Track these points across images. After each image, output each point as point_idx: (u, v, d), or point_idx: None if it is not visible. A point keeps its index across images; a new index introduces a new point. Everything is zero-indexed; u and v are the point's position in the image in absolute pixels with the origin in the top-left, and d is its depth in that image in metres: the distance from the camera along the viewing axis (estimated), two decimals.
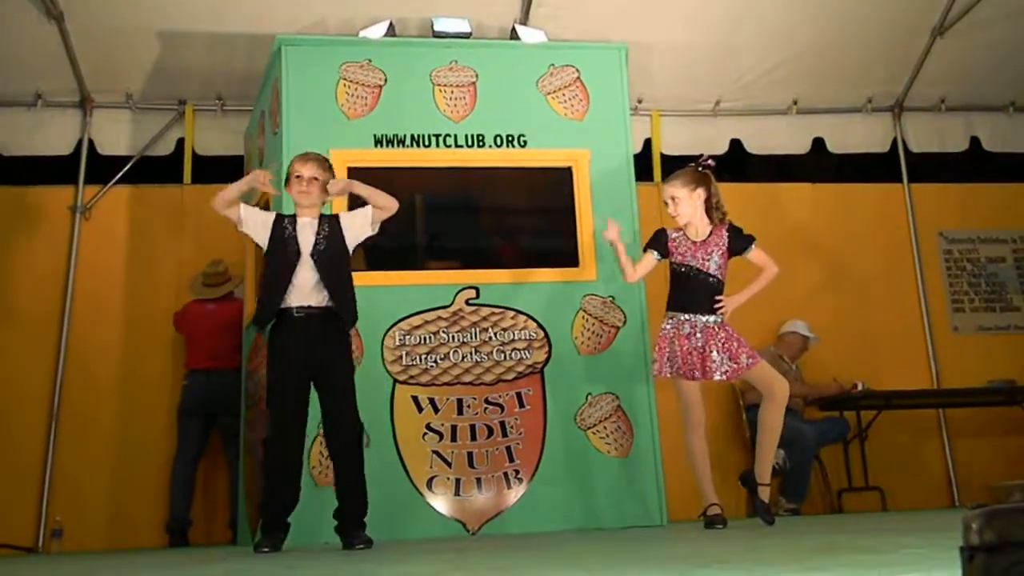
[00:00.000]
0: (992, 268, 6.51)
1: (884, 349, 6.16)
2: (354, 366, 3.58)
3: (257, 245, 3.64)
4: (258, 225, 3.53)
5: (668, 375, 3.89)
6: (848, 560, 1.76)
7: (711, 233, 3.96)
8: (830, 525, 3.67)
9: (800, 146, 6.60)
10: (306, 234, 3.47)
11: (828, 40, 6.05)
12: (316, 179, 3.51)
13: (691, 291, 3.90)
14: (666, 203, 3.99)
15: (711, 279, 3.91)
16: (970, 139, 6.72)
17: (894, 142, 6.63)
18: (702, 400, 3.90)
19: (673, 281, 3.98)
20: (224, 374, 5.26)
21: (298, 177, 3.51)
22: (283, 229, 3.48)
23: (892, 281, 6.34)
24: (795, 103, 6.46)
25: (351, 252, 3.60)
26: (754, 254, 4.00)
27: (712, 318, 3.87)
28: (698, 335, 3.85)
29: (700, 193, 3.95)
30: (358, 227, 3.59)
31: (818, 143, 6.60)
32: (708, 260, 3.91)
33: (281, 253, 3.43)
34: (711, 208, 3.97)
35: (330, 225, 3.53)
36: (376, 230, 3.63)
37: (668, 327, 3.91)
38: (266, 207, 4.74)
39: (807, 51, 6.11)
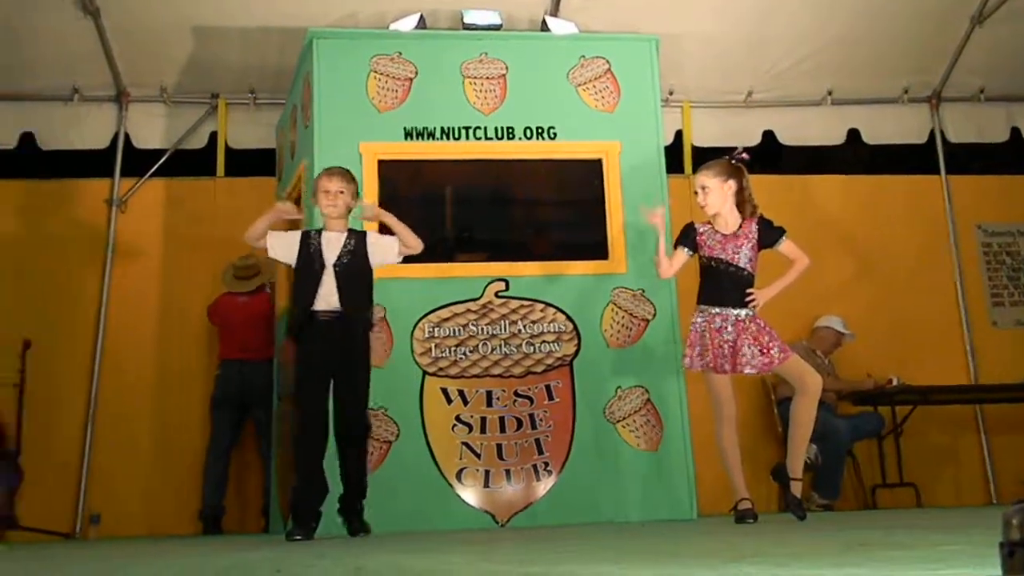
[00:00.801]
0: None
1: (920, 344, 6.07)
2: (370, 367, 3.75)
3: (288, 265, 3.87)
4: (285, 248, 3.77)
5: (699, 368, 3.86)
6: (882, 556, 1.74)
7: (740, 226, 3.91)
8: (864, 521, 3.63)
9: (835, 137, 6.51)
10: (332, 247, 3.70)
11: (862, 30, 5.95)
12: (342, 192, 3.72)
13: (721, 284, 3.87)
14: (696, 192, 3.96)
15: (742, 272, 3.87)
16: (1011, 129, 6.58)
17: (931, 133, 6.52)
18: (733, 394, 3.86)
19: (703, 275, 3.95)
20: (256, 365, 5.31)
21: (325, 192, 3.72)
22: (310, 244, 3.72)
23: (929, 274, 6.24)
24: (830, 94, 6.37)
25: (372, 270, 3.80)
26: (785, 246, 3.94)
27: (744, 311, 3.83)
28: (729, 329, 3.81)
29: (731, 185, 3.91)
30: (382, 252, 3.80)
31: (853, 134, 6.50)
32: (738, 253, 3.87)
33: (308, 265, 3.67)
34: (742, 201, 3.93)
35: (356, 241, 3.75)
36: (399, 261, 3.84)
37: (699, 321, 3.88)
38: (297, 202, 4.79)
39: (841, 41, 6.02)
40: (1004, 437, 6.06)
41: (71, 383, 5.50)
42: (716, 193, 3.90)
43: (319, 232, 3.76)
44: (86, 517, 5.33)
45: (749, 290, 3.85)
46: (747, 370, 3.78)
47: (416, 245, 3.80)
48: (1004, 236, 6.41)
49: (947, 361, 6.08)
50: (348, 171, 3.83)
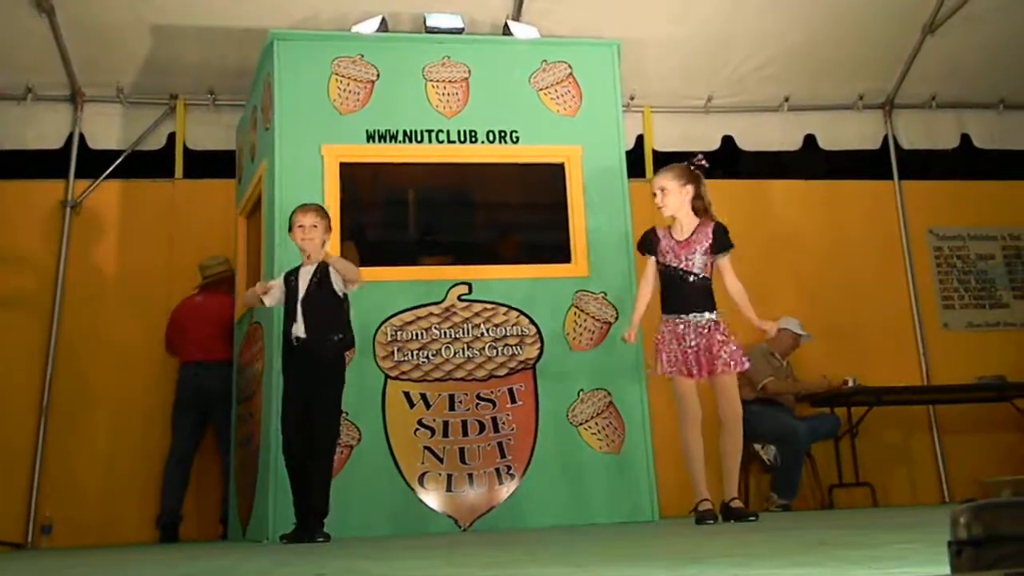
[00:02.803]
0: (982, 265, 6.54)
1: (875, 345, 6.19)
2: (341, 385, 3.98)
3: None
4: (278, 294, 4.09)
5: (669, 374, 3.89)
6: (839, 555, 1.77)
7: (695, 231, 3.96)
8: (821, 521, 3.69)
9: (792, 143, 6.62)
10: (303, 280, 4.00)
11: (820, 37, 6.06)
12: (315, 226, 3.98)
13: (679, 292, 3.92)
14: (654, 193, 4.01)
15: (698, 277, 3.92)
16: (961, 136, 6.74)
17: (885, 139, 6.65)
18: (698, 397, 3.91)
19: (662, 282, 4.00)
20: (212, 367, 5.26)
21: (300, 226, 3.98)
22: (290, 281, 4.06)
23: (883, 278, 6.36)
24: (787, 100, 6.47)
25: (343, 297, 4.02)
26: (723, 261, 3.97)
27: (706, 316, 3.88)
28: (692, 335, 3.87)
29: (689, 189, 3.96)
30: (339, 281, 4.04)
31: (809, 140, 6.62)
32: (691, 259, 3.93)
33: (289, 300, 4.03)
34: (699, 207, 3.99)
35: (323, 272, 4.01)
36: (350, 291, 4.06)
37: (665, 331, 3.93)
38: (257, 204, 4.75)
39: (799, 48, 6.13)
40: (956, 437, 6.21)
41: (23, 387, 5.38)
42: (674, 195, 3.95)
43: (297, 269, 4.05)
44: (38, 526, 5.21)
45: (763, 328, 3.90)
46: (726, 369, 3.83)
47: (354, 278, 4.02)
48: (955, 240, 6.57)
49: (900, 363, 6.21)
50: (321, 207, 4.11)
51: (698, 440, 3.86)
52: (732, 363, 3.84)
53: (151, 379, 5.47)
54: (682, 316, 3.89)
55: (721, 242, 3.96)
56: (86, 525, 5.26)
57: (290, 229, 4.03)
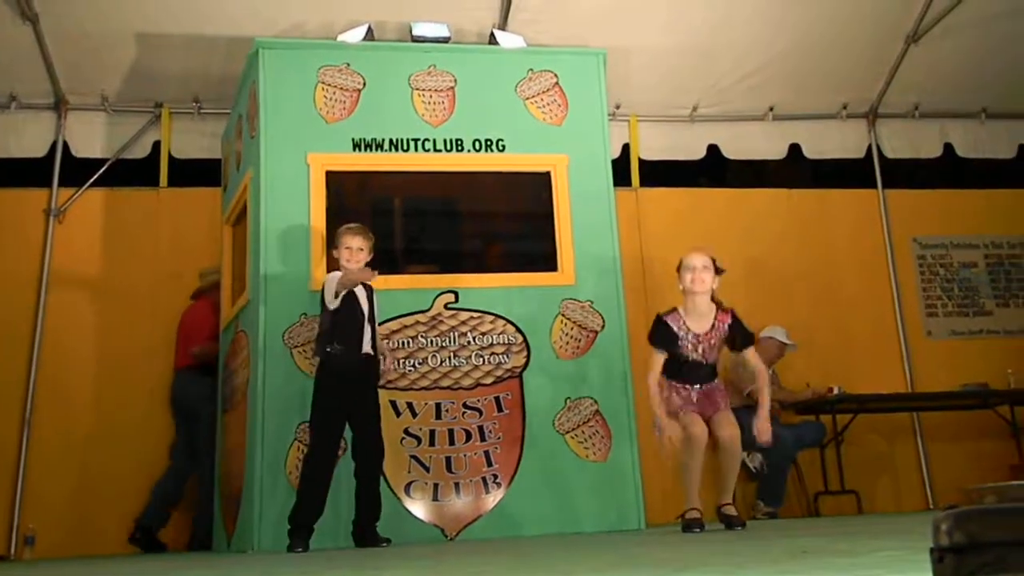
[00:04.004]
0: (965, 273, 6.59)
1: (859, 353, 6.22)
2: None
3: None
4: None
5: (681, 410, 3.89)
6: (824, 563, 1.78)
7: (713, 325, 3.94)
8: (807, 528, 3.70)
9: (777, 152, 6.66)
10: (363, 299, 4.12)
11: (804, 47, 6.11)
12: (362, 249, 4.15)
13: (690, 372, 3.95)
14: (690, 269, 3.91)
15: (710, 365, 3.99)
16: (943, 145, 6.80)
17: (869, 148, 6.70)
18: (705, 427, 3.89)
19: (670, 361, 3.94)
20: (179, 372, 5.33)
21: (348, 248, 4.13)
22: (349, 292, 4.10)
23: (867, 286, 6.40)
24: (771, 109, 6.51)
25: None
26: (751, 354, 4.02)
27: (710, 384, 3.96)
28: (695, 395, 3.94)
29: (717, 280, 3.97)
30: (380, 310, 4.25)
31: (794, 149, 6.66)
32: (710, 353, 3.96)
33: (351, 312, 4.09)
34: (714, 296, 3.99)
35: (372, 295, 4.19)
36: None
37: (672, 394, 3.94)
38: (243, 213, 4.73)
39: (784, 58, 6.17)
40: (940, 444, 6.24)
41: (5, 398, 5.33)
42: (709, 278, 3.92)
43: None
44: (21, 537, 5.16)
45: (761, 430, 3.90)
46: (726, 406, 3.95)
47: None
48: (938, 248, 6.62)
49: (885, 370, 6.25)
50: (367, 229, 4.22)
51: (700, 463, 3.83)
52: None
53: (135, 388, 5.43)
54: (691, 385, 3.95)
55: (742, 338, 3.99)
56: (69, 536, 5.21)
57: (334, 247, 4.16)
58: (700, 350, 3.92)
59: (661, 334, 3.93)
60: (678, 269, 3.98)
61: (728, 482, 3.92)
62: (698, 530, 3.73)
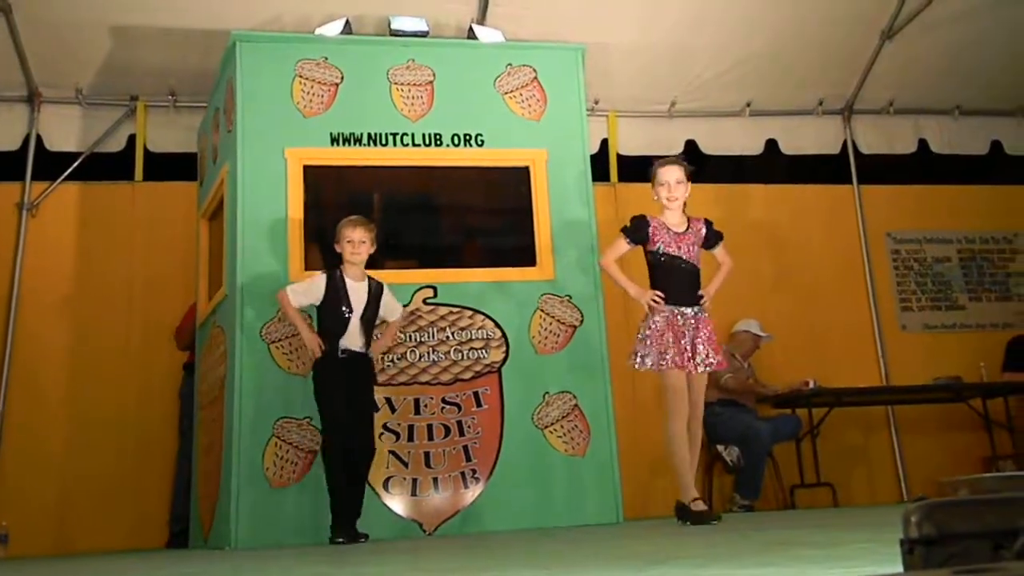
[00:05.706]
0: (938, 268, 6.67)
1: (835, 347, 6.28)
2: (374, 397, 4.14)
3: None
4: (310, 297, 4.09)
5: (654, 368, 3.77)
6: (800, 555, 1.80)
7: (688, 226, 3.96)
8: (783, 521, 3.74)
9: (754, 147, 6.70)
10: (357, 295, 4.07)
11: (781, 44, 6.14)
12: (364, 242, 4.07)
13: (675, 281, 3.85)
14: (663, 184, 3.89)
15: (694, 268, 3.91)
16: (918, 141, 6.87)
17: (844, 144, 6.76)
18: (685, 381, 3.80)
19: (655, 272, 3.91)
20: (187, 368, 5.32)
21: (349, 241, 4.04)
22: (336, 287, 4.05)
23: (842, 281, 6.46)
24: (748, 105, 6.55)
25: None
26: (720, 250, 4.05)
27: (694, 309, 3.85)
28: (682, 328, 3.81)
29: (689, 187, 3.97)
30: (390, 310, 4.21)
31: (771, 144, 6.70)
32: (691, 250, 3.93)
33: (335, 307, 4.04)
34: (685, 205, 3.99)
35: (375, 291, 4.15)
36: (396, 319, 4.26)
37: (658, 320, 3.80)
38: (219, 207, 4.70)
39: (761, 54, 6.20)
40: (914, 437, 6.32)
41: None
42: (683, 191, 3.92)
43: (342, 276, 4.07)
44: None
45: (701, 292, 3.88)
46: (700, 369, 3.79)
47: (396, 321, 4.29)
48: (912, 243, 6.69)
49: (860, 364, 6.31)
50: (370, 221, 4.16)
51: (685, 435, 3.75)
52: (711, 363, 3.80)
53: (109, 386, 5.38)
54: (680, 307, 3.82)
55: (714, 236, 4.02)
56: (43, 535, 5.16)
57: (336, 241, 4.07)
58: (683, 246, 3.89)
59: (635, 226, 3.93)
60: (651, 181, 3.94)
61: (684, 473, 3.77)
62: (715, 522, 3.63)
